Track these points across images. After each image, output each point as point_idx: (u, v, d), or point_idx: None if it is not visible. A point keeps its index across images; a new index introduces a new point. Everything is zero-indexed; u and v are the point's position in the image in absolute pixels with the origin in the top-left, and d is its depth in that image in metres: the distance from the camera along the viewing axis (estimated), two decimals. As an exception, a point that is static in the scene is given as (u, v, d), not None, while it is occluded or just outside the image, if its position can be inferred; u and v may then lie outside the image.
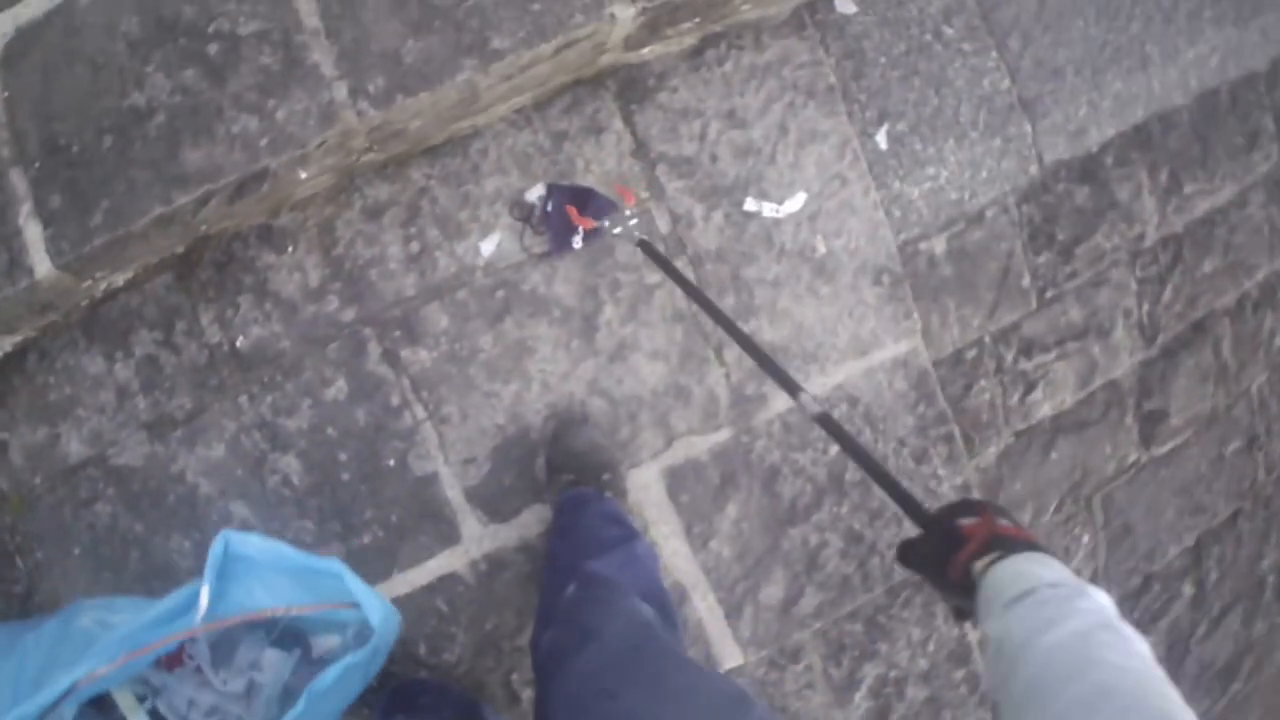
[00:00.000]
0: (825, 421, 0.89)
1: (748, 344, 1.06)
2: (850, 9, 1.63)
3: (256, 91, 1.29)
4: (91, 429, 1.45)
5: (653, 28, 1.42)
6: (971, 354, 1.74)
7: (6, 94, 1.32)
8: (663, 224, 1.50)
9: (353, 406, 1.44)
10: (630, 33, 1.40)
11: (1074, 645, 0.54)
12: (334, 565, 1.00)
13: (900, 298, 1.60)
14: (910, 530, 0.76)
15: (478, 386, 1.45)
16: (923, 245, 1.67)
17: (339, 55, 1.29)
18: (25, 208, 1.30)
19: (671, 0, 1.34)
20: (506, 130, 1.46)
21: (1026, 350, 1.78)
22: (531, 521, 1.48)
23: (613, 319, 1.48)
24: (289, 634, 1.17)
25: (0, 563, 1.49)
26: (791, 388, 0.95)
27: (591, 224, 1.44)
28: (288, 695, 1.12)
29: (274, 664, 1.12)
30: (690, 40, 1.52)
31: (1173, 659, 2.17)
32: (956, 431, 1.65)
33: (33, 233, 1.30)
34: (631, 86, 1.50)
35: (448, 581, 1.47)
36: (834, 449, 1.57)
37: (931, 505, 0.76)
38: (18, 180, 1.31)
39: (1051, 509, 1.89)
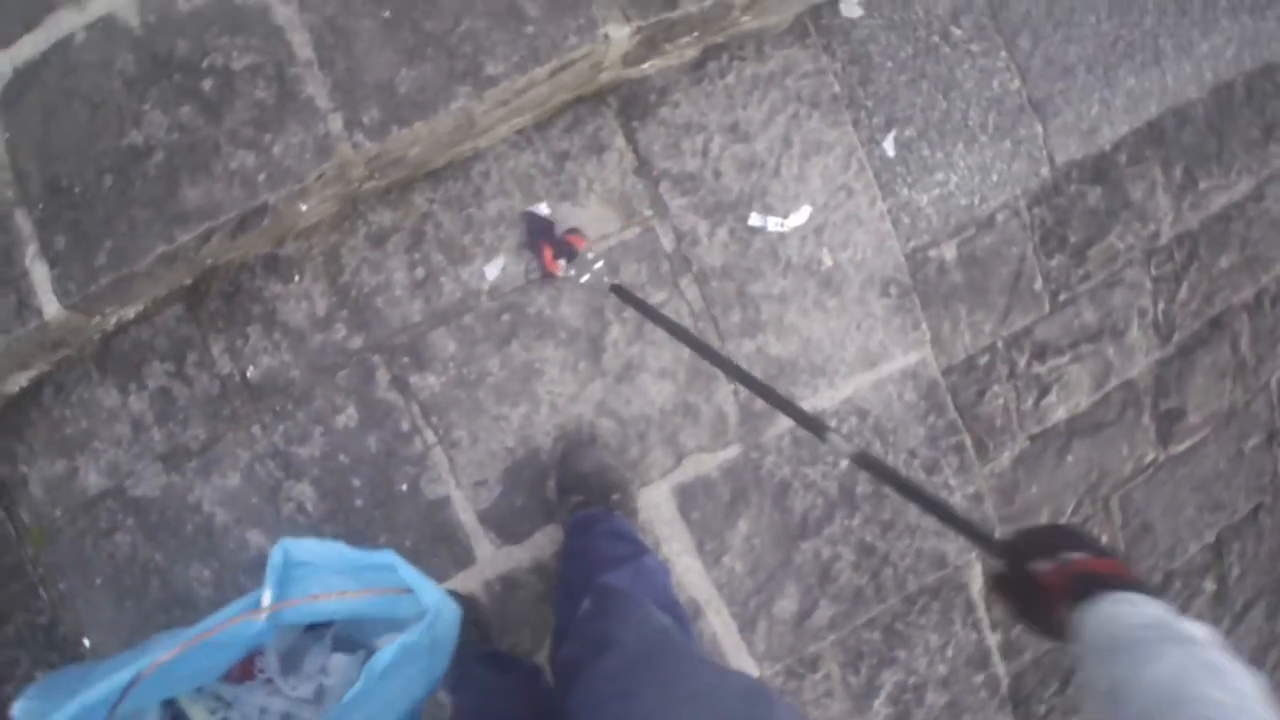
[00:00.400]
0: (863, 460, 0.87)
1: (759, 387, 1.04)
2: (855, 12, 1.60)
3: (252, 126, 1.29)
4: (109, 461, 1.47)
5: (651, 44, 1.40)
6: (984, 360, 1.72)
7: (7, 135, 1.32)
8: (667, 242, 1.49)
9: (364, 433, 1.45)
10: (628, 50, 1.38)
11: (1171, 684, 0.54)
12: (387, 556, 1.01)
13: (908, 308, 1.58)
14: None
15: (486, 410, 1.45)
16: (932, 252, 1.65)
17: (333, 87, 1.29)
18: (31, 249, 1.31)
19: (667, 18, 1.32)
20: (508, 151, 1.45)
21: (1040, 354, 1.76)
22: (544, 542, 1.48)
23: (619, 339, 1.47)
24: (354, 641, 1.19)
25: (24, 594, 1.52)
26: (818, 428, 0.92)
27: (558, 269, 1.43)
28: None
29: (340, 667, 1.13)
30: (691, 53, 1.50)
31: (1194, 654, 2.16)
32: (968, 441, 1.64)
33: (39, 274, 1.31)
34: (633, 103, 1.48)
35: (464, 603, 1.48)
36: (844, 462, 1.56)
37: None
38: (23, 221, 1.32)
39: (1069, 511, 1.88)
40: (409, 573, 0.97)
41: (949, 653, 1.79)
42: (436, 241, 1.44)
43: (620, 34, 1.28)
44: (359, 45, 1.27)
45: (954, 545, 1.66)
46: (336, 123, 1.28)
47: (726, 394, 1.51)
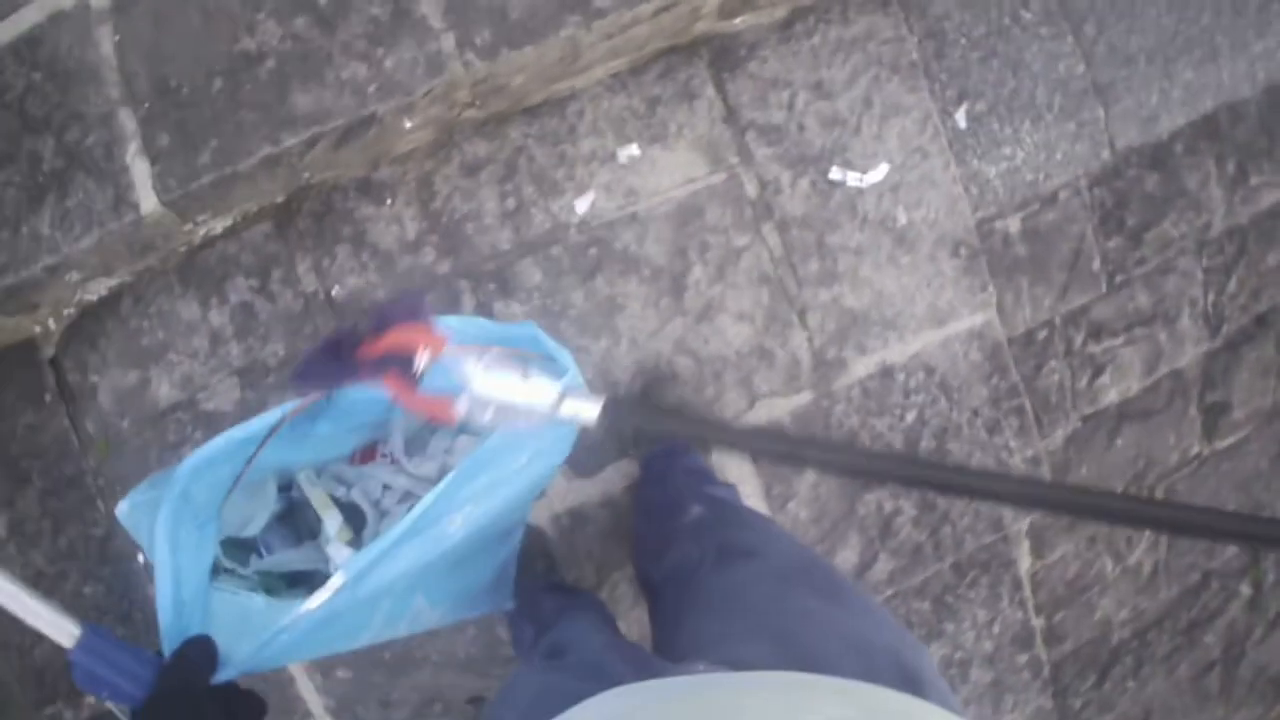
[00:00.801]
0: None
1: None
2: (931, -9, 1.66)
3: (365, 40, 1.33)
4: (183, 373, 1.46)
5: (748, -4, 1.46)
6: (1042, 334, 1.75)
7: (118, 37, 1.35)
8: (751, 189, 1.53)
9: (442, 358, 1.45)
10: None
11: None
12: (528, 328, 0.93)
13: (976, 271, 1.62)
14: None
15: (568, 341, 1.46)
16: (998, 224, 1.69)
17: (446, 7, 1.33)
18: (133, 146, 1.33)
19: (770, -34, 1.37)
20: (602, 94, 1.49)
21: (1095, 334, 1.80)
22: (615, 477, 1.48)
23: (701, 279, 1.50)
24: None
25: (82, 505, 1.50)
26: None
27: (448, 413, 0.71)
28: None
29: (466, 448, 1.08)
30: (780, 13, 1.55)
31: (1228, 661, 2.15)
32: (1029, 404, 1.66)
33: (140, 170, 1.33)
34: (723, 55, 1.53)
35: (531, 535, 1.47)
36: (910, 415, 1.58)
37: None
38: (126, 120, 1.34)
39: (1115, 496, 1.89)
40: (548, 342, 0.90)
41: (996, 629, 1.78)
42: (529, 174, 1.47)
43: (725, -23, 1.34)
44: (475, -32, 1.32)
45: (1009, 511, 1.67)
46: (449, 41, 1.32)
47: (801, 340, 1.53)
